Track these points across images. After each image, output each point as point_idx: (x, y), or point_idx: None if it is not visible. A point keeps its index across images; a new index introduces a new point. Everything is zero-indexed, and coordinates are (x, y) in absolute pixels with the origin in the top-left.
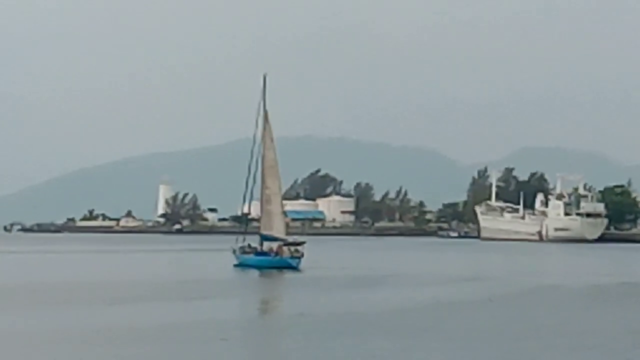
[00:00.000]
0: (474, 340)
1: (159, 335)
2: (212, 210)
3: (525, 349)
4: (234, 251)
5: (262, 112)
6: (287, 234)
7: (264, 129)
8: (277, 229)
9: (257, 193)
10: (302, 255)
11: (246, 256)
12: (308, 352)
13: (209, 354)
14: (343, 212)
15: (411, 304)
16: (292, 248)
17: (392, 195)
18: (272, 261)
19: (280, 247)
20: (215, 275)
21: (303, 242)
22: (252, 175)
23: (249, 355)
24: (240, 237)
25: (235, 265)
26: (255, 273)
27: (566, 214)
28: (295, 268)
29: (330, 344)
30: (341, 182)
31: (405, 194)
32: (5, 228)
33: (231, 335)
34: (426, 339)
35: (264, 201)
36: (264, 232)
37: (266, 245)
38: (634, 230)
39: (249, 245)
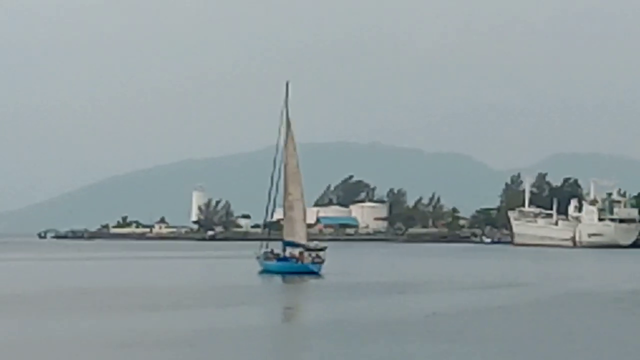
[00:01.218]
0: (508, 345)
1: (190, 341)
2: (246, 216)
3: (558, 354)
4: (258, 257)
5: (284, 120)
6: (320, 240)
7: (287, 136)
8: (299, 235)
9: (280, 201)
10: (323, 261)
11: (269, 262)
12: (344, 356)
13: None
14: (376, 218)
15: (445, 309)
16: (314, 254)
17: (425, 201)
18: (294, 267)
19: (301, 253)
20: (240, 281)
21: (324, 248)
22: (274, 185)
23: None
24: (264, 244)
25: (260, 272)
26: (279, 279)
27: (600, 219)
28: (316, 273)
29: (365, 348)
30: (374, 188)
31: (439, 200)
32: (39, 235)
33: (263, 341)
34: (461, 343)
35: (287, 207)
36: (287, 238)
37: (288, 251)
38: None
39: (272, 251)
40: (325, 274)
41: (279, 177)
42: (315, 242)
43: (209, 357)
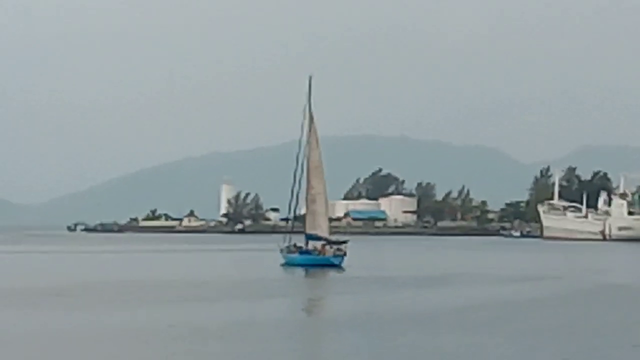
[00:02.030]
0: (540, 338)
1: (220, 333)
2: (275, 210)
3: (591, 346)
4: (281, 250)
5: (307, 114)
6: (349, 233)
7: (310, 130)
8: (322, 228)
9: (304, 195)
10: (345, 253)
11: (292, 255)
12: (375, 348)
13: (278, 351)
14: (405, 211)
15: (475, 302)
16: (335, 247)
17: (454, 194)
18: (316, 259)
19: (323, 246)
20: (263, 274)
21: (346, 241)
22: (297, 180)
23: (317, 353)
24: (287, 237)
25: (282, 264)
26: (301, 272)
27: (629, 213)
28: (338, 266)
29: (396, 340)
30: (403, 181)
31: (468, 193)
32: (69, 228)
33: (292, 333)
34: (493, 336)
35: (309, 201)
36: (309, 231)
37: (311, 244)
38: None
39: (295, 245)
40: (347, 266)
41: (302, 171)
42: (336, 236)
43: (240, 349)
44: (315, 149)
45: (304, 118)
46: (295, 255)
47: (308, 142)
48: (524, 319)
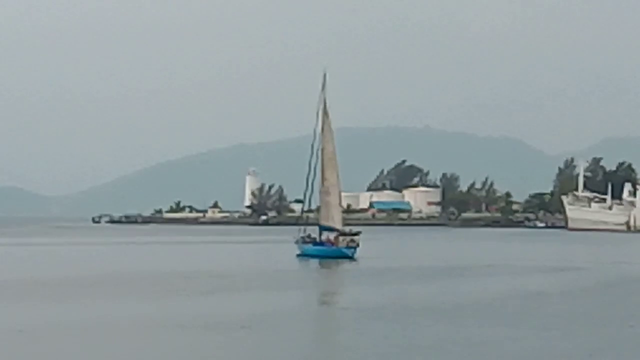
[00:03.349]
0: (568, 329)
1: (242, 323)
2: (299, 201)
3: (620, 338)
4: (296, 242)
5: (322, 106)
6: (373, 225)
7: (324, 122)
8: (335, 220)
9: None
10: (358, 245)
11: (306, 246)
12: (404, 338)
13: (306, 341)
14: (429, 203)
15: (502, 293)
16: (348, 238)
17: (478, 185)
18: (329, 251)
19: (336, 237)
20: (278, 265)
21: (359, 233)
22: (312, 171)
23: (347, 342)
24: (302, 228)
25: (297, 255)
26: (316, 263)
27: None
28: (350, 257)
29: (425, 331)
30: (427, 172)
31: (492, 184)
32: (93, 220)
33: (315, 323)
34: (521, 327)
35: (323, 193)
36: (323, 222)
37: (325, 235)
38: None
39: (309, 236)
40: (360, 257)
41: (317, 160)
42: (349, 227)
43: (263, 339)
44: (329, 142)
45: (318, 111)
46: (309, 247)
47: (322, 133)
48: (551, 310)
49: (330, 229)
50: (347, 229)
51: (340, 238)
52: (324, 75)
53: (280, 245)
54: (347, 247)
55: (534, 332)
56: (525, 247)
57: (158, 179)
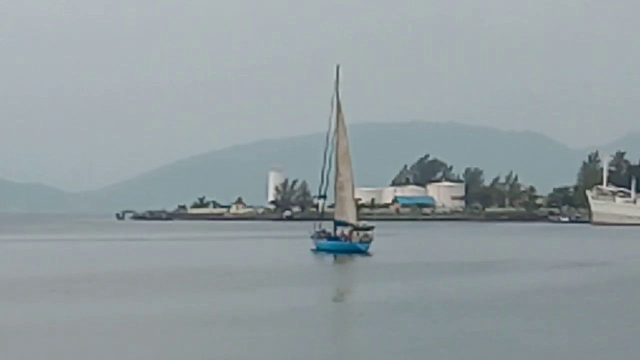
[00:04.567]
0: (598, 322)
1: (262, 317)
2: (322, 196)
3: None
4: (312, 237)
5: (335, 102)
6: (397, 220)
7: (337, 118)
8: (350, 215)
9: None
10: (371, 240)
11: (320, 241)
12: (431, 332)
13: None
14: (453, 197)
15: (526, 287)
16: (362, 233)
17: (502, 180)
18: (343, 245)
19: (350, 232)
20: (294, 260)
21: (372, 227)
22: (327, 165)
23: (374, 337)
24: (317, 223)
25: (312, 250)
26: (330, 258)
27: None
28: (364, 252)
29: (449, 325)
30: (451, 167)
31: (516, 178)
32: (117, 216)
33: (339, 318)
34: (551, 321)
35: (337, 188)
36: (337, 217)
37: (339, 230)
38: None
39: (324, 231)
40: (373, 252)
41: (331, 156)
42: (363, 222)
43: (283, 334)
44: (343, 137)
45: (332, 107)
46: (324, 242)
47: (337, 129)
48: (579, 305)
49: (345, 224)
50: (360, 223)
51: (354, 233)
52: (337, 69)
53: (298, 241)
54: (361, 242)
55: (564, 327)
56: (549, 241)
57: (183, 174)
